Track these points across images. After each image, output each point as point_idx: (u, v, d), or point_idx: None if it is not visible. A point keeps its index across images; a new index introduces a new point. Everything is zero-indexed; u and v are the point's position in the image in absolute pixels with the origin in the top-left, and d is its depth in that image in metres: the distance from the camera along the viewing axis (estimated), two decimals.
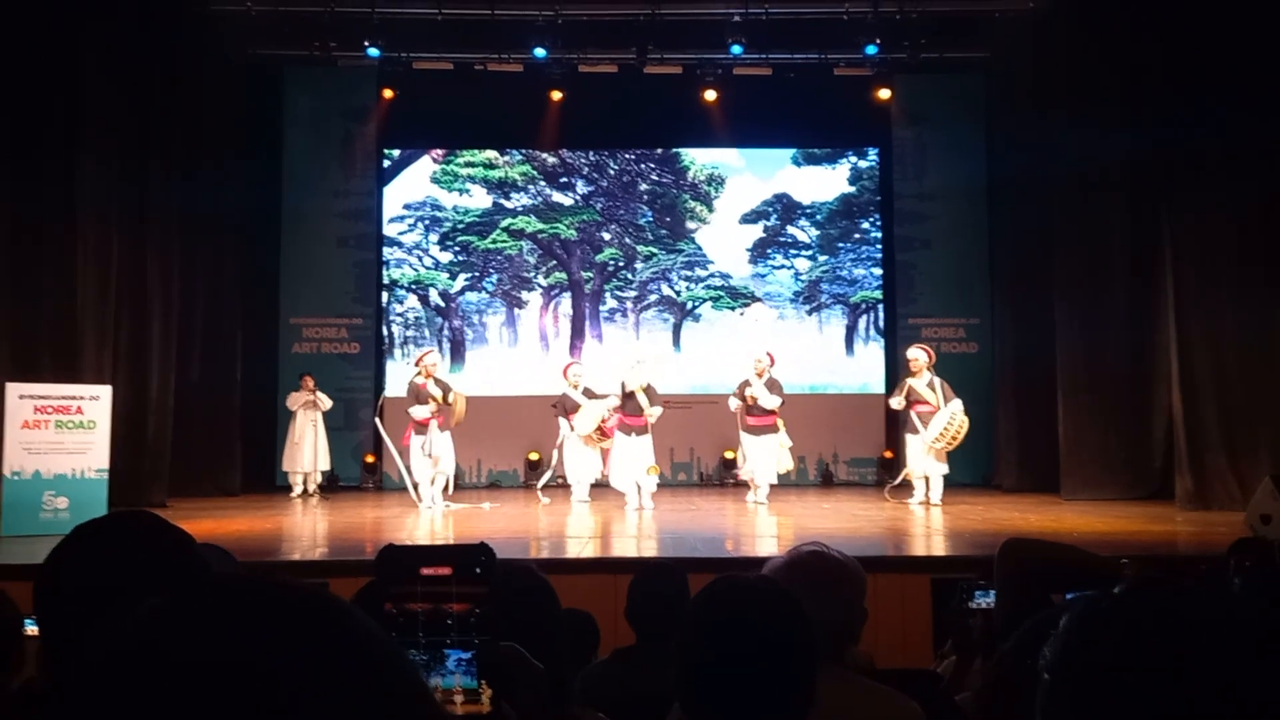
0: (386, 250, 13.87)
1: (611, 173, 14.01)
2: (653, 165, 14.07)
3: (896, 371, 12.79)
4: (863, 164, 14.15)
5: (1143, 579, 0.82)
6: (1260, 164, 9.67)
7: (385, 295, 13.81)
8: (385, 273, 13.85)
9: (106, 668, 0.58)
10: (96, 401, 8.87)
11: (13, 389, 8.58)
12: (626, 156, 14.05)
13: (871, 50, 12.23)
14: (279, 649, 0.58)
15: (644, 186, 14.04)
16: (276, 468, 12.33)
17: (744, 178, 14.18)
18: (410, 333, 13.85)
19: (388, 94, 13.13)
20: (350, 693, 0.60)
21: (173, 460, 10.95)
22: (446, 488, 10.50)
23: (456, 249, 13.96)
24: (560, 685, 1.79)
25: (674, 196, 14.04)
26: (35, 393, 8.66)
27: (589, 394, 10.70)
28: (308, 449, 11.84)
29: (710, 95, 12.96)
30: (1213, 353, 9.85)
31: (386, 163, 14.01)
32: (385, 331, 13.78)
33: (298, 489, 11.87)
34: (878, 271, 13.98)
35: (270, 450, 12.53)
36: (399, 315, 13.89)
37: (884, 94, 13.08)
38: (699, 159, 14.05)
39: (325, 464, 12.10)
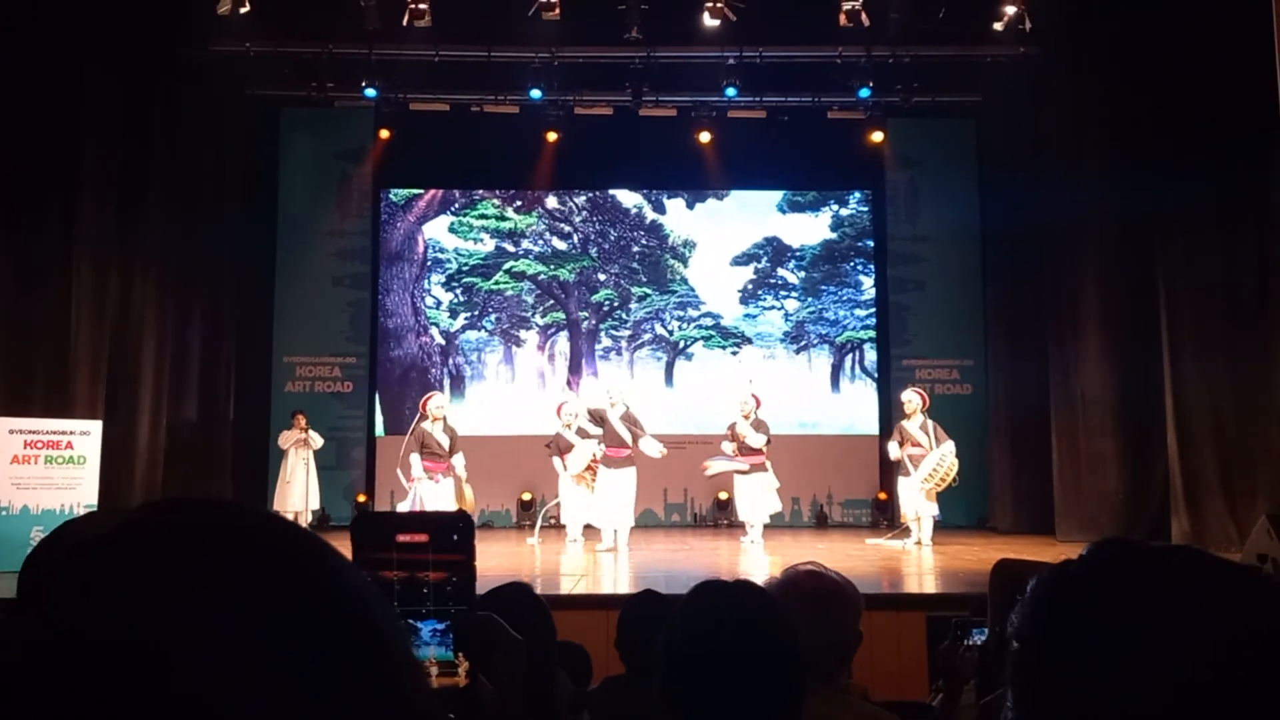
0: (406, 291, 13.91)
1: (612, 237, 14.22)
2: (641, 232, 14.29)
3: (890, 412, 12.79)
4: (845, 211, 14.27)
5: (1106, 540, 0.80)
6: (1252, 210, 9.72)
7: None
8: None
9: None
10: (87, 437, 8.82)
11: (2, 423, 8.53)
12: (623, 224, 14.26)
13: (865, 93, 12.34)
14: (234, 611, 0.49)
15: (635, 249, 14.27)
16: (268, 506, 12.21)
17: (736, 220, 14.27)
18: (413, 374, 13.84)
19: (384, 134, 13.20)
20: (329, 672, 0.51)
21: (163, 496, 10.86)
22: None
23: (460, 290, 14.05)
24: (550, 703, 1.76)
25: (658, 256, 14.26)
26: (25, 427, 8.61)
27: (582, 434, 10.65)
28: (299, 488, 11.76)
29: (704, 137, 13.05)
30: (1208, 395, 9.84)
31: (400, 203, 14.09)
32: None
33: None
34: (861, 313, 14.06)
35: (262, 489, 12.44)
36: (401, 353, 13.95)
37: (877, 137, 13.18)
38: (678, 228, 14.22)
39: (316, 503, 12.03)
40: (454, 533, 1.24)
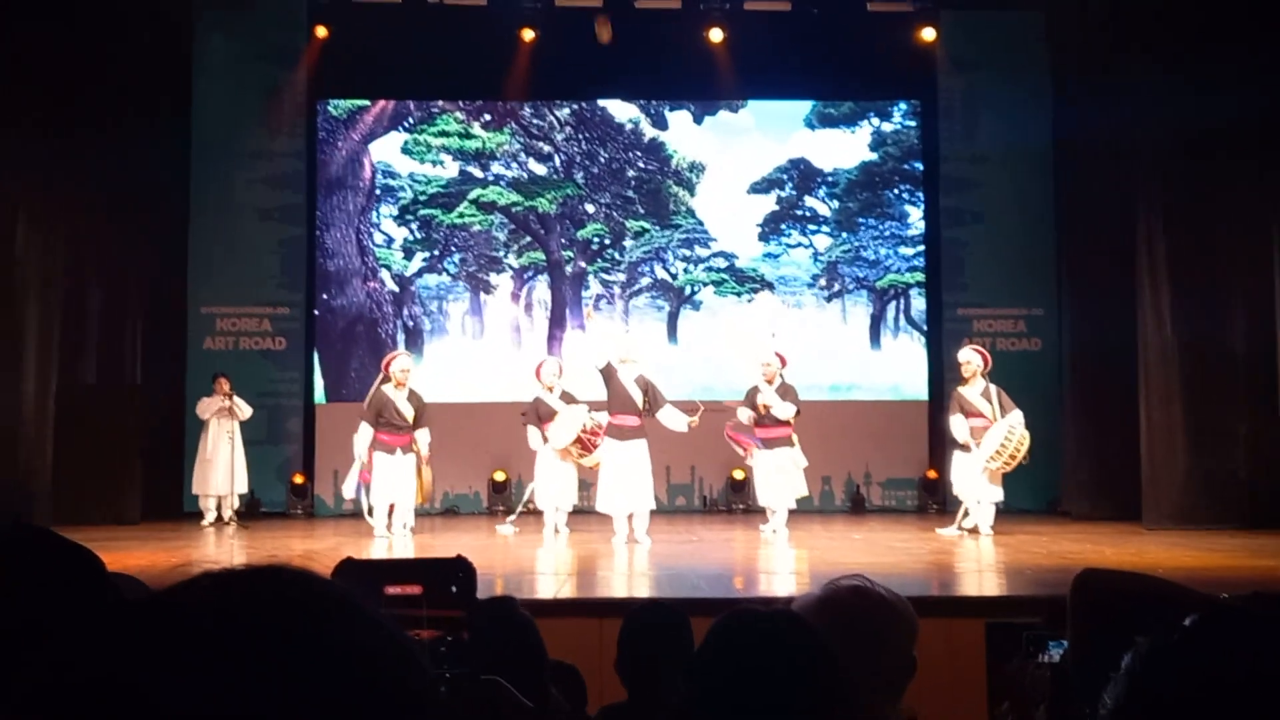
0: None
1: (602, 159, 14.19)
2: (638, 153, 14.26)
3: (941, 373, 12.81)
4: (887, 126, 14.20)
5: (1219, 609, 0.80)
6: None
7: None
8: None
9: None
10: None
11: None
12: (615, 143, 14.21)
13: None
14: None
15: (631, 173, 14.26)
16: (185, 490, 12.28)
17: (754, 138, 14.20)
18: (359, 327, 13.82)
19: (321, 33, 13.10)
20: None
21: (55, 480, 10.89)
22: (392, 512, 10.48)
23: (416, 224, 14.01)
24: None
25: (658, 182, 14.24)
26: None
27: (567, 398, 10.64)
28: (222, 467, 11.78)
29: (716, 36, 12.95)
30: None
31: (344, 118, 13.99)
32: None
33: (210, 515, 11.83)
34: (906, 251, 14.04)
35: (177, 468, 12.48)
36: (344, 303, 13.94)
37: (927, 35, 13.08)
38: (683, 146, 14.18)
39: (243, 485, 12.05)
40: (452, 583, 1.25)
